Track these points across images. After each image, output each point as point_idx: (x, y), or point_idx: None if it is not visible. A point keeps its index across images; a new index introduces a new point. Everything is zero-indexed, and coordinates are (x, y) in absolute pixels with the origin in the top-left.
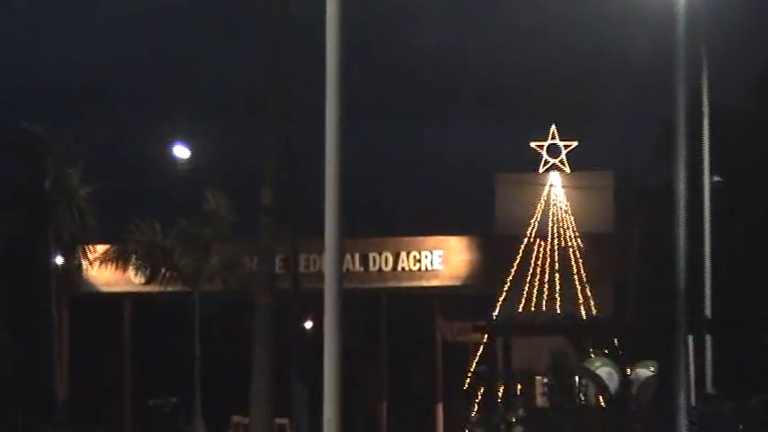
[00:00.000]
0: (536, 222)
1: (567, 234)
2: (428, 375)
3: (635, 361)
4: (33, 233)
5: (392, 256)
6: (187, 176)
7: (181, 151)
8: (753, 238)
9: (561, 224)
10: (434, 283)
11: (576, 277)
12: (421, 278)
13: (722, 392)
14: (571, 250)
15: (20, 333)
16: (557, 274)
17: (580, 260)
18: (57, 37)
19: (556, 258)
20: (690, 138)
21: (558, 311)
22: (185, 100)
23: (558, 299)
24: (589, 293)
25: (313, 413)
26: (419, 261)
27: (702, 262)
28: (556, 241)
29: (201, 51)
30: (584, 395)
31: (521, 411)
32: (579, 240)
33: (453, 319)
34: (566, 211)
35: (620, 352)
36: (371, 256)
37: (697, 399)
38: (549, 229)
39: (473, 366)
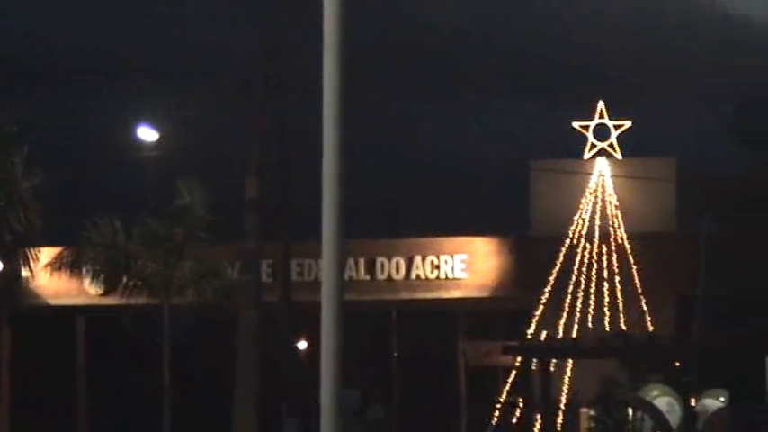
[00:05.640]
0: (580, 220)
1: (619, 234)
2: (448, 406)
3: (701, 389)
4: None
5: (404, 261)
6: (155, 165)
7: (147, 134)
8: None
9: (611, 222)
10: (456, 294)
11: (629, 288)
12: (439, 288)
13: None
14: (623, 254)
15: None
16: (605, 284)
17: (634, 267)
18: None
19: (605, 264)
20: None
21: (608, 329)
22: (153, 74)
23: (608, 314)
24: (645, 307)
25: None
26: (437, 267)
27: None
28: (605, 244)
29: (176, 17)
30: (638, 431)
31: None
32: (633, 242)
33: (479, 338)
34: (617, 207)
35: (684, 379)
36: (379, 261)
37: None
38: (597, 228)
39: (503, 396)
